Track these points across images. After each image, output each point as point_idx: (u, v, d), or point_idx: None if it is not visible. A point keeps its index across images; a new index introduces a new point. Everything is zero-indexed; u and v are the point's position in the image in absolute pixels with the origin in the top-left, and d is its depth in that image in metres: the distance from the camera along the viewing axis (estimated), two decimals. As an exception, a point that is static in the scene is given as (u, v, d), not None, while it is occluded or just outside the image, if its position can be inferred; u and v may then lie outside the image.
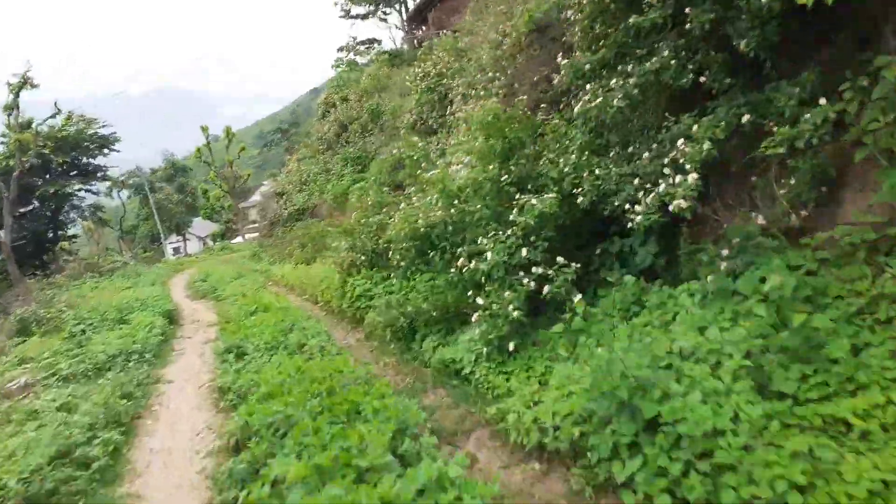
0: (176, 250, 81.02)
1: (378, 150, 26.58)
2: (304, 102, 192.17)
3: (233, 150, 61.03)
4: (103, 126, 45.09)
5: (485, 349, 8.15)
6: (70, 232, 47.07)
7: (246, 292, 18.61)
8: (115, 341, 12.99)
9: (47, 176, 42.58)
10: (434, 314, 9.94)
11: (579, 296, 7.48)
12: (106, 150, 45.72)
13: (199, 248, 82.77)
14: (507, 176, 8.83)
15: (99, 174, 46.86)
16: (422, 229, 10.30)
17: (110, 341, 13.06)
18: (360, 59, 48.00)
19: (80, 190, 46.21)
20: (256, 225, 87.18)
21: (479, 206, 9.02)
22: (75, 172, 44.99)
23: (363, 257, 14.22)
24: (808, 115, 6.02)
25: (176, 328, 16.76)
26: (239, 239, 72.58)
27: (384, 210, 14.48)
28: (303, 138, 48.04)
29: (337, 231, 16.57)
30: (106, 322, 15.69)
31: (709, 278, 6.46)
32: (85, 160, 45.41)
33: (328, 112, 35.17)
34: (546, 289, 7.59)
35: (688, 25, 7.05)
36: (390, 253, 11.88)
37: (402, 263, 11.36)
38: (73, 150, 43.47)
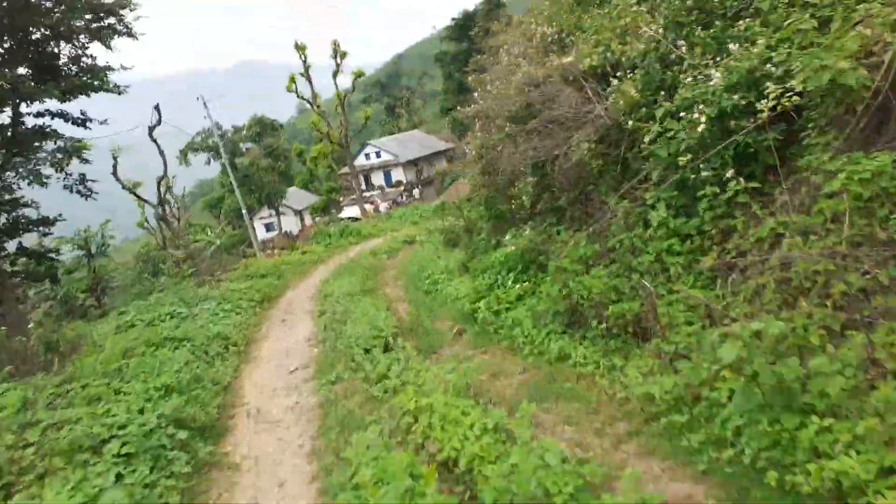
0: (268, 227, 59.80)
1: None
2: (389, 68, 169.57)
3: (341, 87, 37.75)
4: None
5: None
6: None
7: None
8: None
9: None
10: None
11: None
12: (123, 29, 19.06)
13: (295, 225, 60.73)
14: None
15: (106, 77, 19.24)
16: None
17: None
18: None
19: (64, 116, 19.10)
20: (375, 193, 64.32)
21: None
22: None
23: None
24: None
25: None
26: (353, 211, 49.65)
27: None
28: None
29: None
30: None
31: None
32: (86, 43, 19.03)
33: None
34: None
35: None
36: None
37: None
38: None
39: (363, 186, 66.57)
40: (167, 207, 55.12)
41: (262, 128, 62.44)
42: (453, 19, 59.39)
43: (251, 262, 21.84)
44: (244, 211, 31.75)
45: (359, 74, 37.39)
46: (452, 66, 64.29)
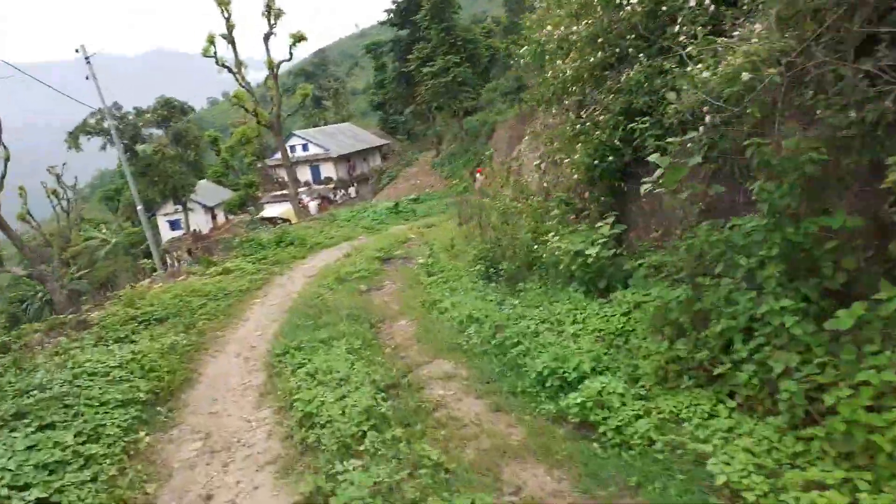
0: (174, 225, 50.16)
1: None
2: (313, 62, 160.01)
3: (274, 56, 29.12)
4: None
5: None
6: None
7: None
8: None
9: None
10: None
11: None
12: None
13: (206, 224, 50.88)
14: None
15: None
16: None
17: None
18: None
19: None
20: (302, 190, 54.71)
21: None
22: None
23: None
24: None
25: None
26: (278, 209, 40.85)
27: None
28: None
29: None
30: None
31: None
32: None
33: None
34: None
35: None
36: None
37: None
38: None
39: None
40: (58, 200, 43.84)
41: (170, 111, 51.86)
42: (395, 2, 51.58)
43: (140, 290, 12.99)
44: (139, 206, 22.70)
45: (298, 38, 28.83)
46: (390, 55, 56.76)
